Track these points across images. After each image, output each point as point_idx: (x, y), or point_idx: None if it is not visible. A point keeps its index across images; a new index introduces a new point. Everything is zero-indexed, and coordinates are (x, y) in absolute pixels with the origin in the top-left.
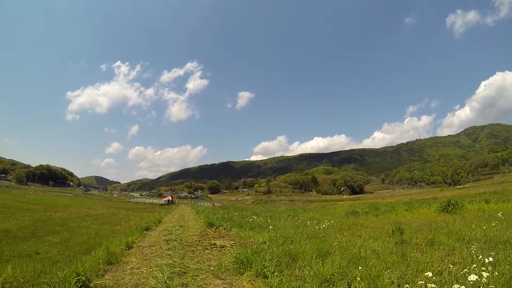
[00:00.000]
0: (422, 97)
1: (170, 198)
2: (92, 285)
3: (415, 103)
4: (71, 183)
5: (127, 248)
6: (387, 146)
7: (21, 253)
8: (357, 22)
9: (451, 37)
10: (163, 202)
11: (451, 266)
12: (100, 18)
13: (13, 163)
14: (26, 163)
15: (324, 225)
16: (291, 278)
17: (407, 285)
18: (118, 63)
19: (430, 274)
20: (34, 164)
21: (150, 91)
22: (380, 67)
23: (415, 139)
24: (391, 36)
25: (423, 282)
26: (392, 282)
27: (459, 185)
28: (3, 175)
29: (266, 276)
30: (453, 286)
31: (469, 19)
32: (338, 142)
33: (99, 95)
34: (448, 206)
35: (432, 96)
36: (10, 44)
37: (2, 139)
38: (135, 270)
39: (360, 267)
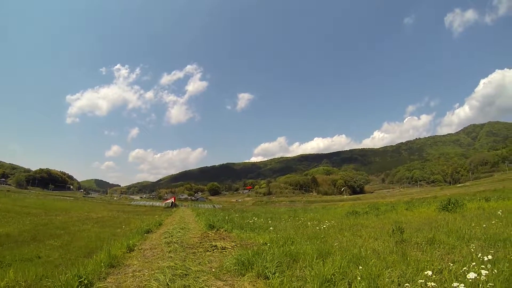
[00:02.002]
0: (422, 96)
1: (173, 201)
2: None
3: (414, 102)
4: (71, 187)
5: (128, 251)
6: (387, 146)
7: (23, 257)
8: (356, 23)
9: (450, 36)
10: (165, 205)
11: (451, 264)
12: (100, 22)
13: (13, 167)
14: (26, 167)
15: (324, 226)
16: (292, 278)
17: (407, 284)
18: (118, 66)
19: (430, 272)
20: (34, 168)
21: (149, 94)
22: (380, 67)
23: (414, 138)
24: (391, 36)
25: (423, 280)
26: (393, 281)
27: (459, 183)
28: (3, 179)
29: (267, 277)
30: (453, 284)
31: (467, 18)
32: (338, 142)
33: (99, 98)
34: (448, 204)
35: (431, 95)
36: (10, 48)
37: (2, 144)
38: (137, 273)
39: (360, 267)
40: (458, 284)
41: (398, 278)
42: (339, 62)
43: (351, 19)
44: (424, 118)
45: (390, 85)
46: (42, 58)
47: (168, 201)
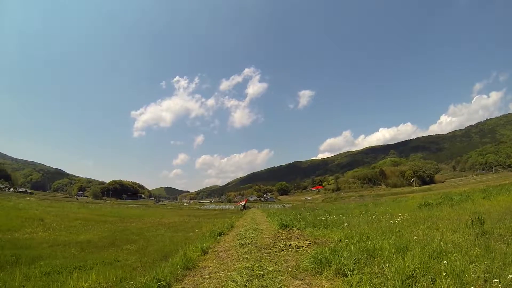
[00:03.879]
0: (489, 71)
1: (245, 203)
2: None
3: (481, 79)
4: (143, 195)
5: (202, 254)
6: (455, 130)
7: (103, 261)
8: (408, 5)
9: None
10: (238, 207)
11: None
12: (153, 37)
13: (89, 181)
14: (100, 179)
15: (398, 219)
16: (371, 275)
17: (495, 280)
18: (177, 78)
19: None
20: (107, 180)
21: (211, 101)
22: (439, 45)
23: (485, 119)
24: (447, 9)
25: None
26: (479, 277)
27: None
28: (81, 192)
29: (345, 275)
30: None
31: None
32: (404, 131)
33: (162, 111)
34: None
35: (500, 68)
36: (77, 75)
37: (79, 161)
38: (213, 275)
39: (444, 261)
40: None
41: (484, 274)
42: (397, 45)
43: (401, 5)
44: (494, 96)
45: (451, 63)
46: (103, 78)
47: (241, 203)
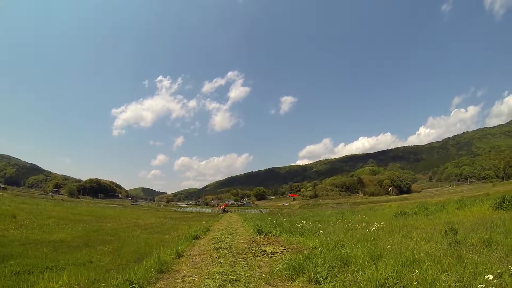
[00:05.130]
0: (467, 86)
1: (224, 207)
2: None
3: (460, 93)
4: (120, 195)
5: (177, 257)
6: (433, 142)
7: (76, 262)
8: (393, 15)
9: (492, 20)
10: (220, 211)
11: None
12: (142, 36)
13: (65, 178)
14: (76, 177)
15: (373, 228)
16: (345, 283)
17: None
18: (160, 77)
19: (490, 276)
20: (84, 178)
21: (193, 103)
22: (421, 58)
23: (462, 132)
24: (428, 27)
25: (483, 285)
26: (450, 286)
27: None
28: (56, 189)
29: (319, 282)
30: None
31: None
32: (384, 140)
33: (143, 110)
34: (503, 202)
35: (478, 84)
36: (60, 70)
37: (56, 157)
38: (187, 278)
39: (416, 271)
40: None
41: (455, 283)
42: (379, 55)
43: (386, 14)
44: (472, 110)
45: (432, 77)
46: (85, 74)
47: (221, 207)
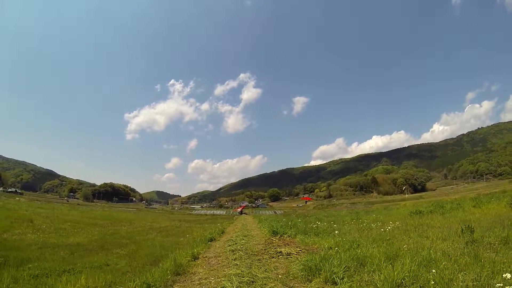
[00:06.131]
0: (481, 81)
1: (241, 209)
2: None
3: (474, 88)
4: (134, 199)
5: (193, 259)
6: (447, 139)
7: (92, 265)
8: (403, 13)
9: (504, 11)
10: (237, 213)
11: None
12: (153, 41)
13: (80, 183)
14: (91, 182)
15: (389, 227)
16: (361, 283)
17: None
18: (172, 81)
19: (508, 275)
20: (98, 182)
21: (205, 106)
22: (433, 54)
23: (476, 128)
24: (440, 20)
25: (501, 284)
26: (467, 285)
27: None
28: (72, 193)
29: (335, 282)
30: None
31: None
32: (397, 139)
33: (156, 114)
34: None
35: (492, 78)
36: (72, 76)
37: (71, 162)
38: (203, 281)
39: (433, 270)
40: None
41: (472, 282)
42: (391, 53)
43: (397, 10)
44: (486, 105)
45: (445, 72)
46: (98, 80)
47: (238, 209)
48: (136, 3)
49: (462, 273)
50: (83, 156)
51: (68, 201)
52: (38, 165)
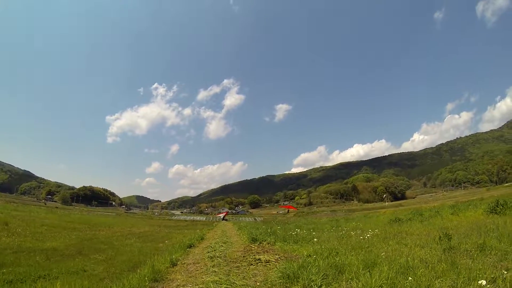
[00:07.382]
0: (461, 92)
1: (224, 215)
2: None
3: (453, 99)
4: (113, 203)
5: (171, 266)
6: (426, 148)
7: (69, 270)
8: (386, 23)
9: (484, 27)
10: (218, 219)
11: (505, 272)
12: (137, 43)
13: (59, 185)
14: (70, 184)
15: (368, 235)
16: None
17: None
18: (156, 85)
19: (484, 282)
20: (78, 185)
21: (187, 110)
22: (415, 64)
23: (455, 138)
24: (422, 34)
25: None
26: None
27: (506, 182)
28: (50, 196)
29: None
30: None
31: (499, 5)
32: (378, 147)
33: (138, 117)
34: (497, 206)
35: (471, 89)
36: (54, 76)
37: (49, 163)
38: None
39: (410, 278)
40: None
41: None
42: (373, 63)
43: (381, 20)
44: (465, 116)
45: (426, 84)
46: (80, 80)
47: (220, 215)
48: (121, 2)
49: (439, 280)
50: (63, 157)
51: (45, 204)
52: (15, 166)
